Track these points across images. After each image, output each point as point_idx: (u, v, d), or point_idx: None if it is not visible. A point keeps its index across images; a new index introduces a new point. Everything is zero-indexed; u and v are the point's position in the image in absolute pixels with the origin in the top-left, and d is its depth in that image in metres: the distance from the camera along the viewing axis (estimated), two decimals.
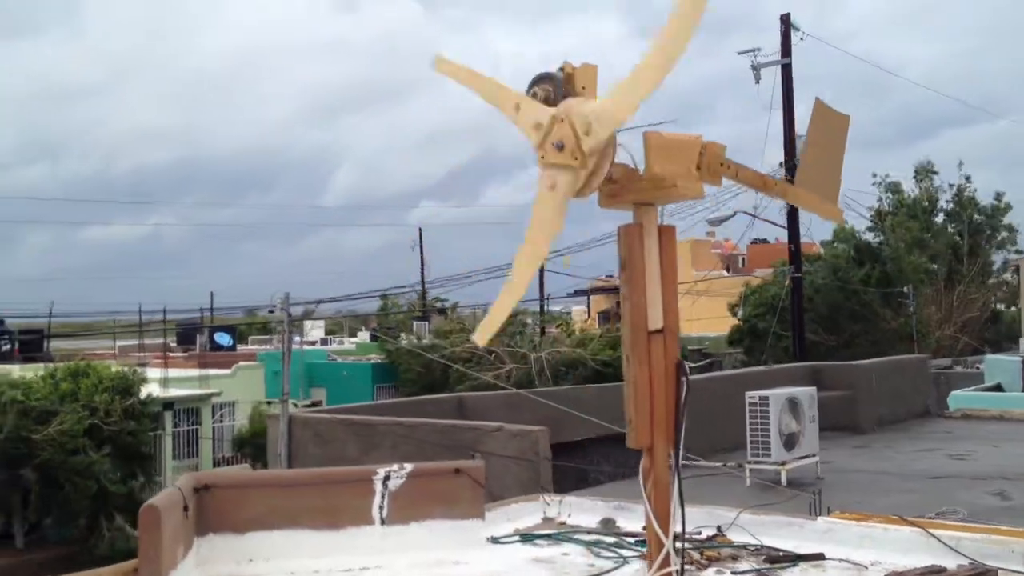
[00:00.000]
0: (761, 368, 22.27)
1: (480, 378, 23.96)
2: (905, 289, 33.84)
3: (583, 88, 3.40)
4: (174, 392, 28.59)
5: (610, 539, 5.44)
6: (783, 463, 12.37)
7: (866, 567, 4.77)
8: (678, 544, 3.69)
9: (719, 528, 5.39)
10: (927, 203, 41.69)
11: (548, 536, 5.55)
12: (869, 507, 7.23)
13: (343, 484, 5.31)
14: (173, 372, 31.46)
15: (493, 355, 28.30)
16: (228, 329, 46.47)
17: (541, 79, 3.38)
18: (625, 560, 5.03)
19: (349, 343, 52.39)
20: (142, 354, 36.04)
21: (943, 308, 37.92)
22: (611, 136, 3.29)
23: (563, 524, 5.89)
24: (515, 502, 6.28)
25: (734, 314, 36.53)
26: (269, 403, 26.03)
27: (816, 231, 42.32)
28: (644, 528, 5.50)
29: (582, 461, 13.09)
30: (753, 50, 26.12)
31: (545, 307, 43.40)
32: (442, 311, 41.97)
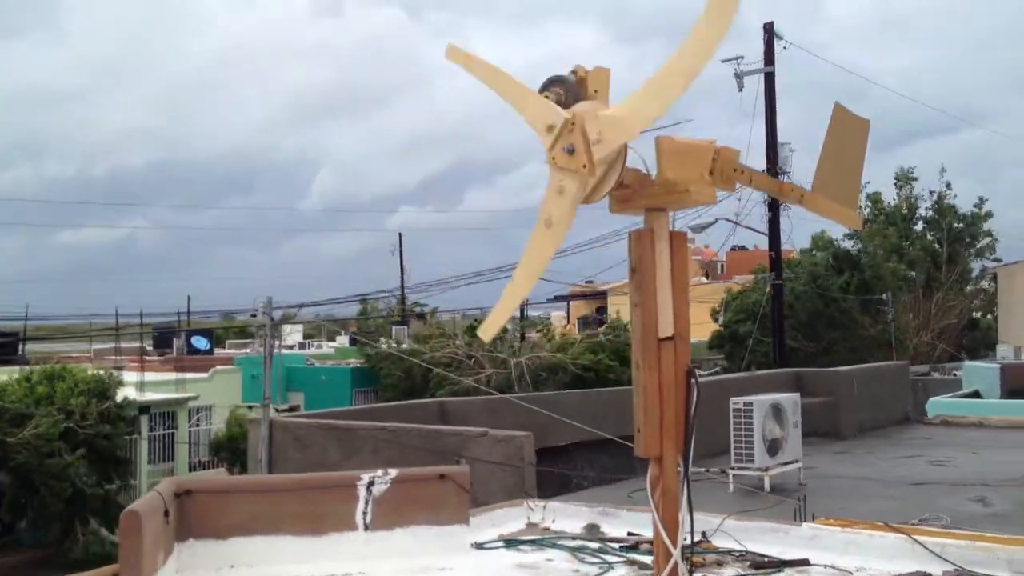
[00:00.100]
0: (744, 374, 22.34)
1: (461, 382, 23.90)
2: (884, 296, 34.08)
3: (595, 91, 3.32)
4: (150, 396, 28.39)
5: (594, 544, 5.42)
6: (766, 469, 12.41)
7: (851, 573, 4.77)
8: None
9: (704, 534, 5.37)
10: (906, 211, 41.97)
11: (532, 542, 5.53)
12: (852, 513, 7.24)
13: (326, 489, 5.24)
14: (149, 376, 31.20)
15: (473, 360, 28.26)
16: (205, 333, 46.23)
17: (552, 83, 3.30)
18: (610, 566, 5.00)
19: (328, 347, 52.19)
20: (118, 357, 35.72)
21: (921, 315, 38.16)
22: (622, 147, 3.22)
23: (547, 530, 5.87)
24: (499, 507, 6.25)
25: (716, 320, 36.66)
26: (250, 407, 25.85)
27: (797, 238, 42.41)
28: (629, 533, 5.52)
29: (565, 466, 13.05)
30: (736, 58, 26.26)
31: (525, 312, 43.42)
32: (421, 316, 41.90)
